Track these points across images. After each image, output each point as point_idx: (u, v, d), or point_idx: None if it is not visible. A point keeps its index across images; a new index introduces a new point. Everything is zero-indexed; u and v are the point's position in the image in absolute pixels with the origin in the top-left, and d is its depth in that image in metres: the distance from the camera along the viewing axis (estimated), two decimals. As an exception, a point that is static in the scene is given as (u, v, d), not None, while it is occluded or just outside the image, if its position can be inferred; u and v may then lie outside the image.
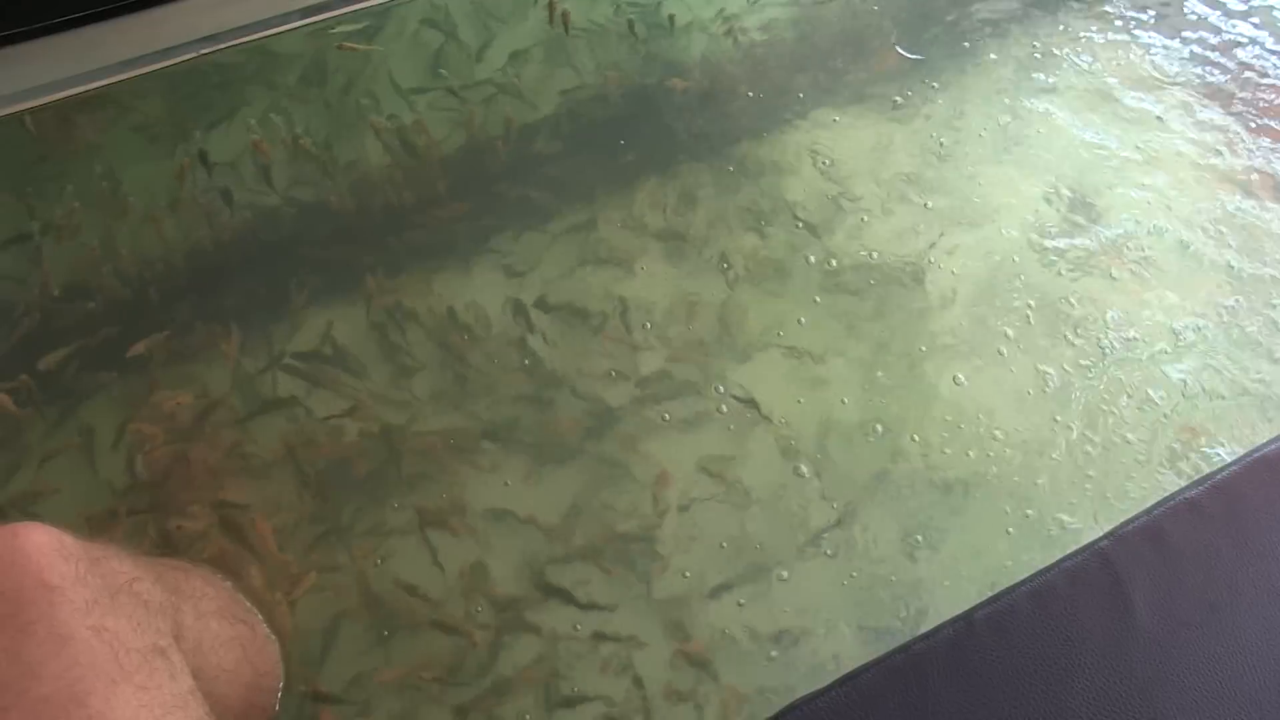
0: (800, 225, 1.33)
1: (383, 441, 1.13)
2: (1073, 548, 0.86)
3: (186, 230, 1.24)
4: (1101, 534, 0.86)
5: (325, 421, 1.14)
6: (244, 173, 1.27)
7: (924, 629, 0.82)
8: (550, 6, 1.33)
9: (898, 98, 1.44)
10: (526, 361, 1.20)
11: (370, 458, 1.12)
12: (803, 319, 1.26)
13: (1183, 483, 1.10)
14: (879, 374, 1.22)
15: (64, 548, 0.66)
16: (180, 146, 1.27)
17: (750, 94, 1.43)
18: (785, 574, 1.09)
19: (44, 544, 0.65)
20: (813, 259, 1.31)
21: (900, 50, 1.49)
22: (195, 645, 0.75)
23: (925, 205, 1.36)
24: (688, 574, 1.09)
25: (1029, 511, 1.13)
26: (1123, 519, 0.87)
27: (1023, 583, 0.83)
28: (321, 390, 1.16)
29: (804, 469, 1.16)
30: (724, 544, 1.11)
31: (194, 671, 0.70)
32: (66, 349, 1.15)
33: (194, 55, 1.25)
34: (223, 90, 1.31)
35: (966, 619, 0.81)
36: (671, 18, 1.45)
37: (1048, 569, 0.84)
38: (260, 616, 0.95)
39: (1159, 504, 0.86)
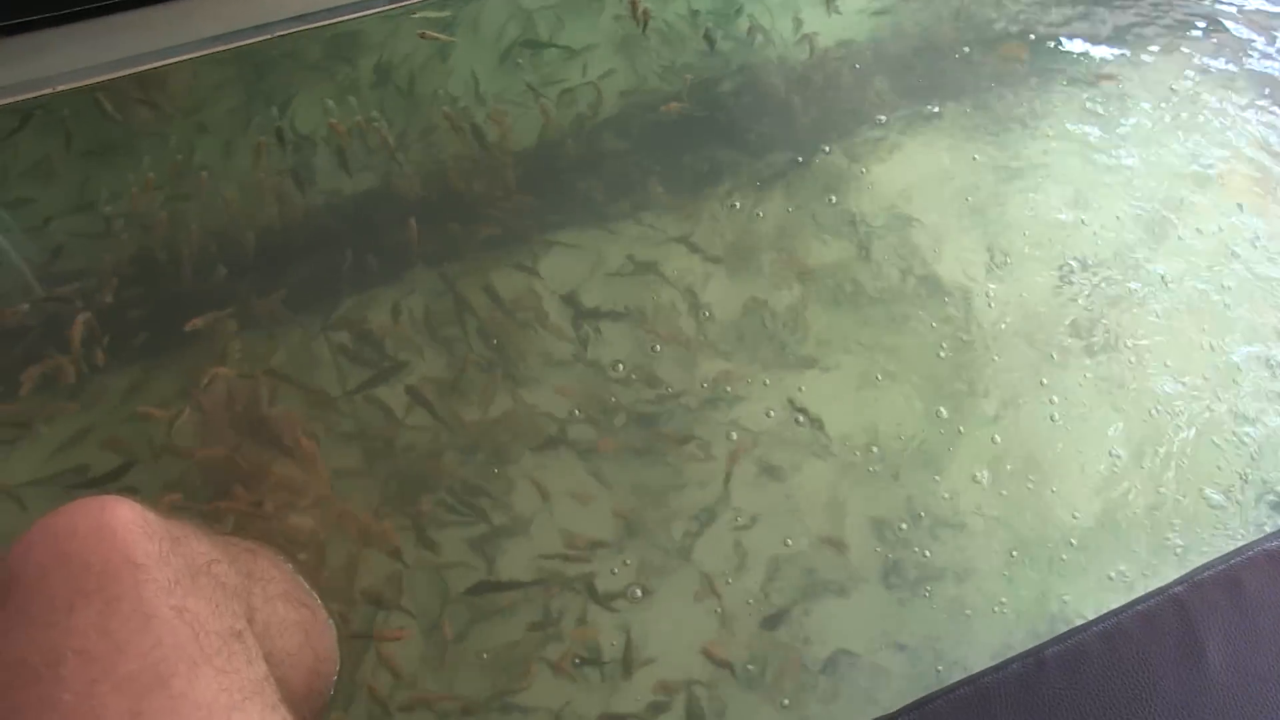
0: (862, 239, 1.32)
1: (436, 427, 1.13)
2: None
3: (256, 207, 1.24)
4: (1175, 579, 0.85)
5: (379, 405, 1.14)
6: (318, 154, 1.27)
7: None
8: (633, 4, 1.32)
9: (965, 122, 1.42)
10: (580, 356, 1.20)
11: (422, 443, 1.12)
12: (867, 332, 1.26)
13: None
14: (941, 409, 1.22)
15: (148, 525, 0.66)
16: (257, 124, 1.27)
17: (821, 107, 1.42)
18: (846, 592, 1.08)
19: (130, 520, 0.66)
20: (877, 276, 1.30)
21: (977, 69, 1.48)
22: (264, 629, 0.75)
23: (987, 230, 1.34)
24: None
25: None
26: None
27: (1094, 622, 0.82)
28: (375, 373, 1.17)
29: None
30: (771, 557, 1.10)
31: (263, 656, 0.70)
32: (129, 320, 1.16)
33: (275, 35, 1.25)
34: (301, 71, 1.31)
35: (1036, 655, 0.79)
36: (749, 28, 1.44)
37: (1120, 610, 0.82)
38: (319, 601, 0.96)
39: (1237, 552, 0.85)
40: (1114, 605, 0.83)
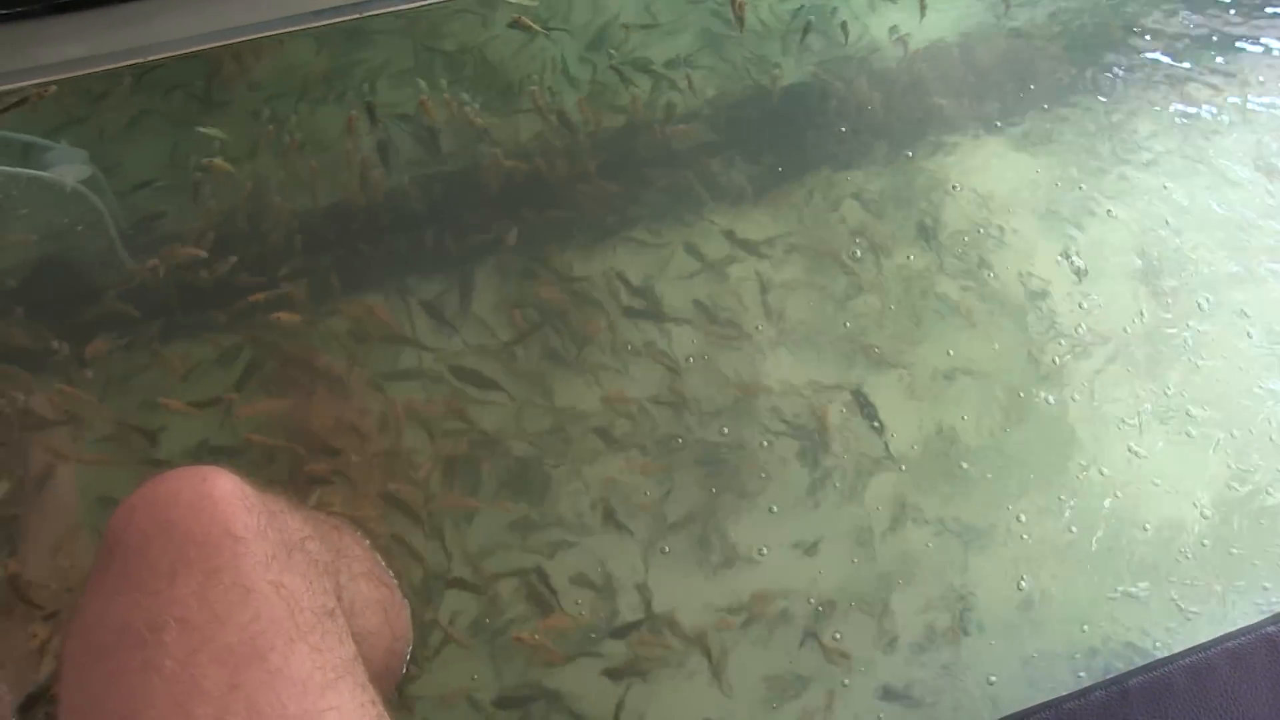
0: (941, 243, 1.30)
1: (506, 407, 1.14)
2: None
3: (343, 181, 1.25)
4: (1269, 617, 0.82)
5: (446, 384, 1.15)
6: (406, 131, 1.27)
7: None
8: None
9: (1054, 133, 1.39)
10: (650, 348, 1.19)
11: (481, 425, 1.14)
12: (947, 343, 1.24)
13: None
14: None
15: (247, 498, 0.67)
16: (348, 99, 1.28)
17: (908, 109, 1.40)
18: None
19: (230, 492, 0.66)
20: (954, 285, 1.28)
21: (1071, 77, 1.44)
22: (349, 607, 0.76)
23: (1072, 238, 1.31)
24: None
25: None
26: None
27: (1181, 655, 0.80)
28: (449, 351, 1.17)
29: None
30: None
31: (349, 634, 0.70)
32: (208, 287, 1.17)
33: (369, 14, 1.26)
34: (394, 50, 1.31)
35: (1120, 685, 0.78)
36: (842, 27, 1.41)
37: (1208, 645, 0.80)
38: (395, 579, 0.96)
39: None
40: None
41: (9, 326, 1.13)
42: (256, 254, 1.21)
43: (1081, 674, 1.00)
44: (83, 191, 1.19)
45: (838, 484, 1.14)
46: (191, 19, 1.22)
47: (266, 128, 1.26)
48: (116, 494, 1.07)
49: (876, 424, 1.18)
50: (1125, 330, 1.25)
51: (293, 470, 1.07)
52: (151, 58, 1.19)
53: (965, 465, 1.16)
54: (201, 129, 1.25)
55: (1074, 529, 1.13)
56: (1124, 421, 1.20)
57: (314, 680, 0.60)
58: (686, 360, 1.20)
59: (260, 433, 1.11)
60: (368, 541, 0.98)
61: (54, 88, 1.13)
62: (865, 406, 1.19)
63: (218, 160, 1.22)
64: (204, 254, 1.17)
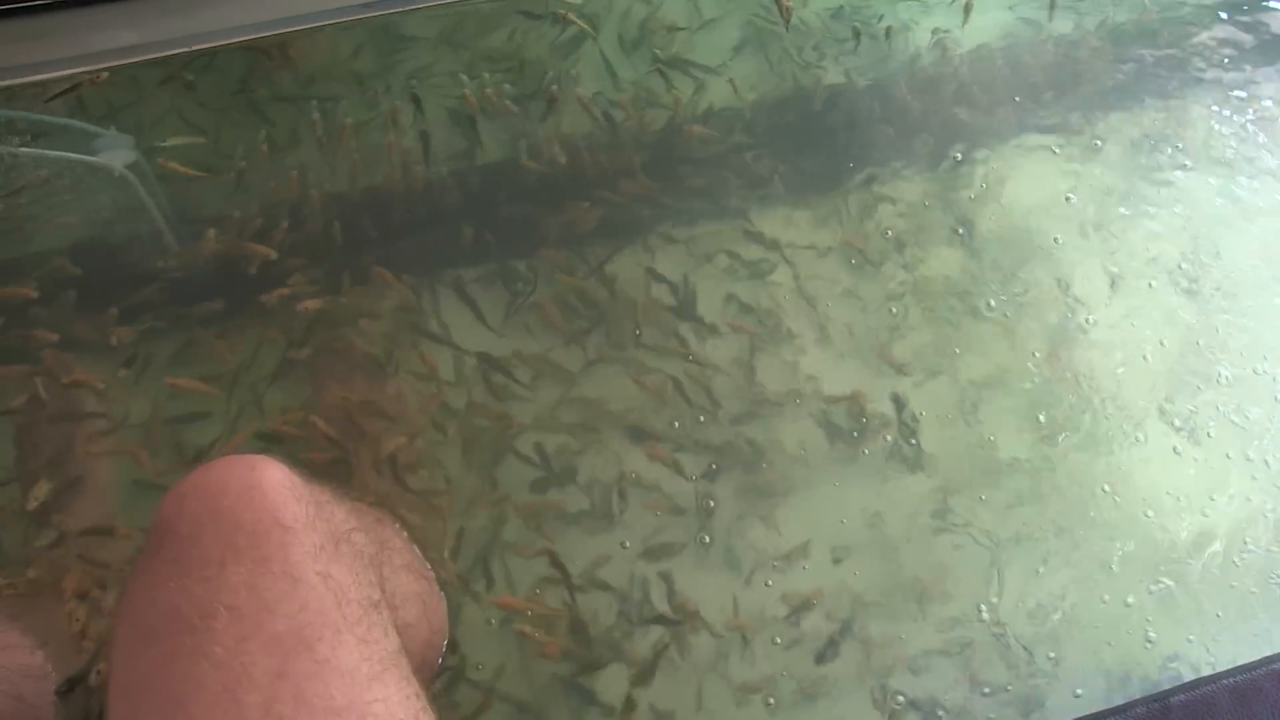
0: (978, 249, 1.29)
1: (533, 405, 1.15)
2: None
3: (384, 172, 1.25)
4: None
5: (482, 378, 1.15)
6: (449, 125, 1.28)
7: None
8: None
9: (1098, 141, 1.38)
10: (685, 346, 1.20)
11: (514, 417, 1.14)
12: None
13: None
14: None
15: (295, 488, 0.67)
16: (395, 91, 1.28)
17: (950, 114, 1.38)
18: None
19: (279, 482, 0.67)
20: (992, 302, 1.27)
21: (1117, 85, 1.43)
22: (390, 599, 0.76)
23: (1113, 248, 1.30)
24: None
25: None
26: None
27: (1225, 674, 0.79)
28: (481, 346, 1.18)
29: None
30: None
31: (390, 626, 0.71)
32: (249, 274, 1.18)
33: (417, 6, 1.26)
34: (440, 44, 1.31)
35: (1163, 702, 0.77)
36: (887, 31, 1.41)
37: (1253, 665, 0.79)
38: (433, 571, 0.97)
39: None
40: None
41: (52, 310, 1.14)
42: (296, 242, 1.21)
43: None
44: (129, 177, 1.20)
45: (872, 487, 1.14)
46: (242, 9, 1.23)
47: (311, 118, 1.26)
48: (152, 480, 1.08)
49: (912, 431, 1.17)
50: (1162, 343, 1.24)
51: (329, 461, 1.08)
52: (201, 46, 1.21)
53: (1003, 473, 1.16)
54: (246, 118, 1.25)
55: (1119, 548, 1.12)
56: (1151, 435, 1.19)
57: (361, 672, 0.60)
58: (721, 359, 1.20)
59: (293, 423, 1.12)
60: (405, 533, 0.98)
61: (106, 74, 1.14)
62: (901, 410, 1.19)
63: (262, 148, 1.23)
64: (245, 241, 1.18)
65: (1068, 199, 1.34)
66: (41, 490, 1.02)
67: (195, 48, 1.22)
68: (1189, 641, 1.04)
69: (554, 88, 1.28)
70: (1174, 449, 1.19)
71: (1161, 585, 1.10)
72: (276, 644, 0.60)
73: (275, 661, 0.59)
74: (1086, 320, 1.25)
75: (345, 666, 0.60)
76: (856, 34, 1.40)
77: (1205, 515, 1.15)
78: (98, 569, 1.00)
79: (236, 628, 0.60)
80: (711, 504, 1.12)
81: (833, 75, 1.39)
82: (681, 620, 1.06)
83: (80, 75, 1.14)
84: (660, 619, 1.06)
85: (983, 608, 1.09)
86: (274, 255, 1.16)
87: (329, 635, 0.61)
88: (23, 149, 1.18)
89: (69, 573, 0.99)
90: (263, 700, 0.57)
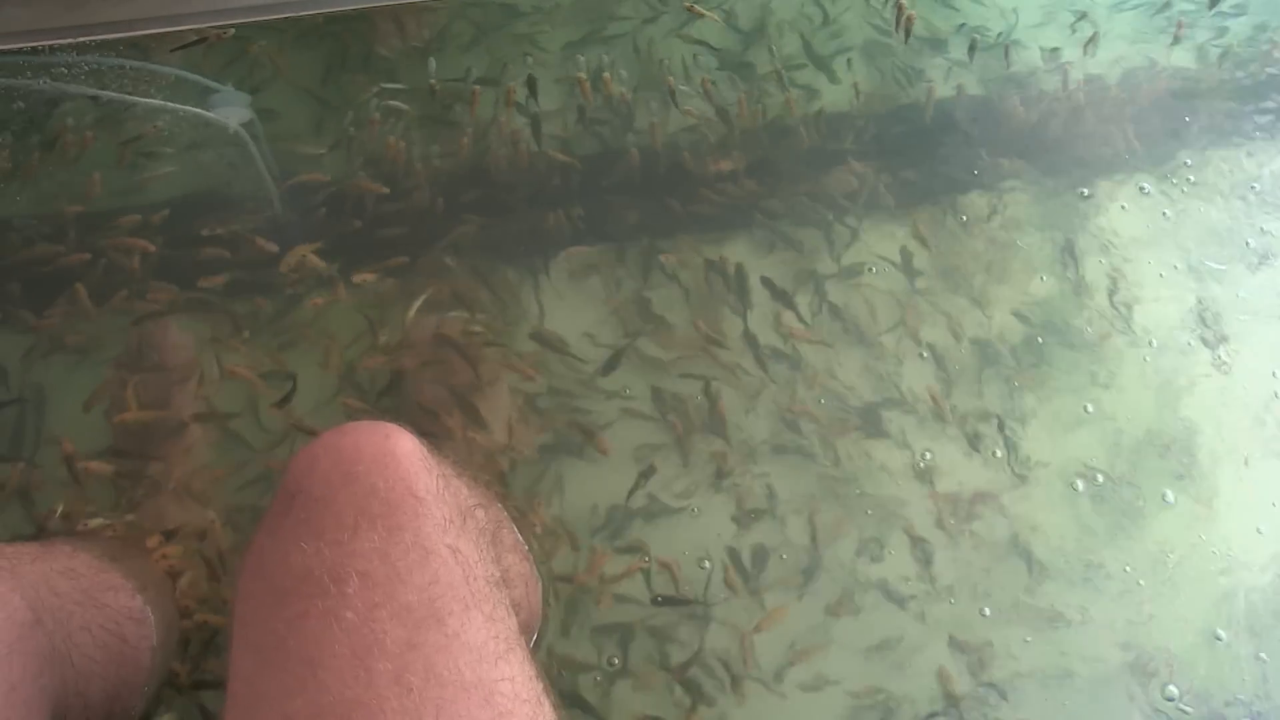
0: (1074, 279, 1.26)
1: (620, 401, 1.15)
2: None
3: (492, 150, 1.26)
4: None
5: (568, 363, 1.16)
6: (561, 109, 1.28)
7: None
8: (899, 8, 1.28)
9: (1212, 178, 1.35)
10: (776, 352, 1.19)
11: (594, 411, 1.14)
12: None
13: None
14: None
15: (426, 460, 0.67)
16: (511, 70, 1.28)
17: (1061, 140, 1.36)
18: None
19: (412, 451, 0.66)
20: (1089, 323, 1.25)
21: (1239, 122, 1.40)
22: (503, 578, 0.76)
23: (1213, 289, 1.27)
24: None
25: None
26: None
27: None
28: (572, 332, 1.18)
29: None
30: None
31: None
32: (352, 240, 1.19)
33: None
34: (560, 26, 1.31)
35: None
36: (1005, 51, 1.38)
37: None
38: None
39: None
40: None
41: (159, 262, 1.15)
42: (396, 212, 1.22)
43: None
44: (243, 135, 1.21)
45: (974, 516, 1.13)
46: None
47: (427, 86, 1.26)
48: (239, 433, 1.09)
49: (1010, 452, 1.16)
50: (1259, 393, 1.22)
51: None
52: (325, 9, 1.21)
53: (1095, 500, 1.14)
54: (360, 87, 1.26)
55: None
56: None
57: (488, 649, 0.60)
58: (812, 367, 1.18)
59: (388, 394, 1.12)
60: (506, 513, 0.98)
61: (232, 30, 1.15)
62: (1003, 429, 1.17)
63: (375, 116, 1.24)
64: (350, 208, 1.19)
65: (1171, 235, 1.31)
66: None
67: (323, 10, 1.23)
68: None
69: (670, 78, 1.27)
70: None
71: None
72: (408, 614, 0.59)
73: (406, 632, 0.58)
74: (1185, 362, 1.23)
75: (474, 643, 0.60)
76: (973, 50, 1.37)
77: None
78: (193, 518, 1.01)
79: (369, 594, 0.59)
80: (792, 516, 1.11)
81: (945, 89, 1.37)
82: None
83: (207, 30, 1.15)
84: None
85: None
86: (385, 190, 1.16)
87: (458, 610, 0.60)
88: (142, 99, 1.19)
89: (164, 519, 1.00)
90: (394, 670, 0.57)
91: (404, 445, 0.66)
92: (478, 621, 0.61)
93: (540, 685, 0.62)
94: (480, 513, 0.70)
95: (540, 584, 0.96)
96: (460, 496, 0.69)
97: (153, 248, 1.14)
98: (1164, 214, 1.32)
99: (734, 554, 1.07)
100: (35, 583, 0.71)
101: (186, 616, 0.96)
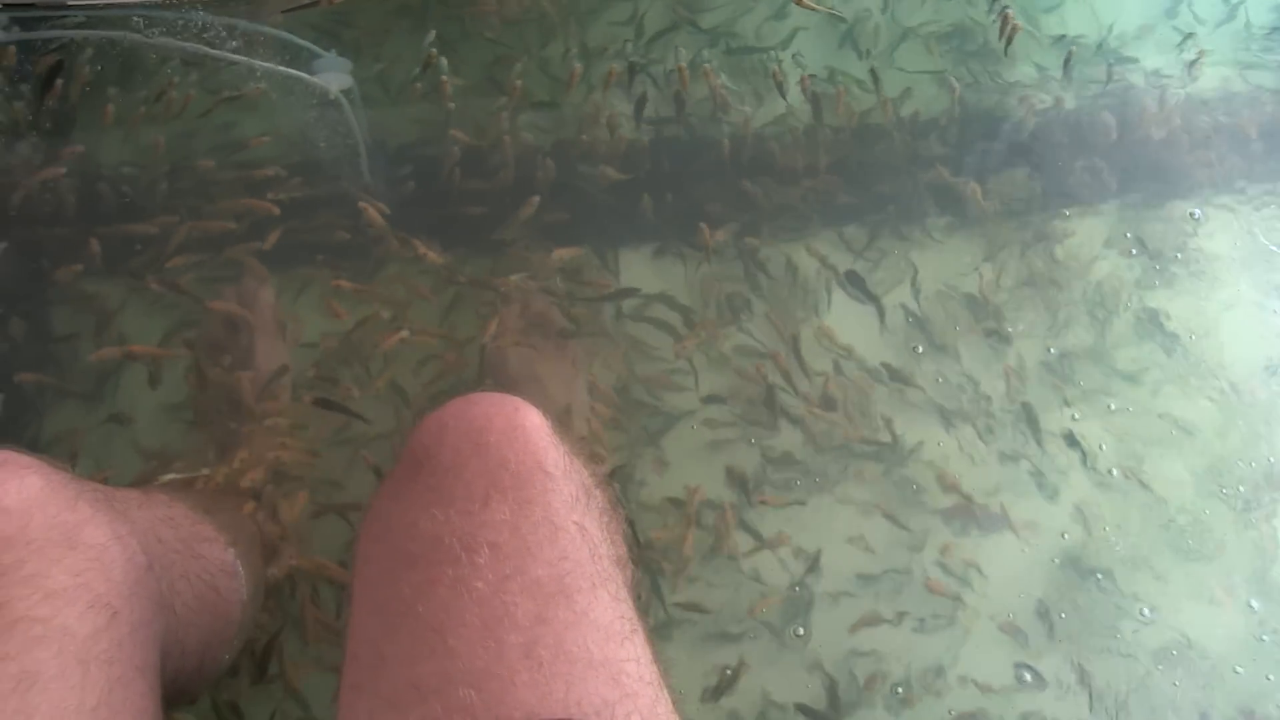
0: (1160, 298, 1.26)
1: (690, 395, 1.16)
2: None
3: (589, 130, 1.25)
4: None
5: (649, 352, 1.17)
6: (659, 96, 1.27)
7: None
8: (1004, 17, 1.27)
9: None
10: (850, 352, 1.20)
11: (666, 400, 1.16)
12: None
13: None
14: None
15: (554, 436, 0.67)
16: (611, 53, 1.28)
17: (1157, 163, 1.34)
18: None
19: (540, 426, 0.66)
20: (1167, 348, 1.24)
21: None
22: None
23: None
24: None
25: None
26: None
27: None
28: (645, 318, 1.20)
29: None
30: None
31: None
32: (436, 215, 1.20)
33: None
34: (664, 12, 1.31)
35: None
36: (1107, 66, 1.36)
37: None
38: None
39: None
40: None
41: (282, 221, 1.16)
42: (484, 190, 1.22)
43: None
44: (342, 102, 1.22)
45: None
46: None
47: (542, 53, 1.27)
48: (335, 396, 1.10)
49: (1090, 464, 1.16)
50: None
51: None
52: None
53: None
54: (468, 59, 1.26)
55: None
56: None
57: (615, 629, 0.60)
58: (886, 368, 1.18)
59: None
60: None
61: (342, -5, 1.15)
62: (1074, 444, 1.17)
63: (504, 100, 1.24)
64: (436, 182, 1.19)
65: (1262, 265, 1.29)
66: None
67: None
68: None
69: (775, 68, 1.26)
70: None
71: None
72: (538, 588, 0.59)
73: (536, 606, 0.58)
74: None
75: (601, 621, 0.59)
76: (1071, 63, 1.36)
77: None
78: (289, 480, 1.02)
79: (500, 566, 0.59)
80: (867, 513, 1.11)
81: (1041, 102, 1.35)
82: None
83: (317, -8, 1.16)
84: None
85: None
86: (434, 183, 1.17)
87: (586, 587, 0.60)
88: (245, 59, 1.19)
89: (257, 475, 1.01)
90: (524, 643, 0.57)
91: (533, 419, 0.66)
92: (605, 600, 0.61)
93: (659, 668, 0.62)
94: (599, 493, 0.70)
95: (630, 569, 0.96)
96: (583, 474, 0.69)
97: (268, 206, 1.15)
98: (1257, 240, 1.30)
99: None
100: (144, 529, 0.72)
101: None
